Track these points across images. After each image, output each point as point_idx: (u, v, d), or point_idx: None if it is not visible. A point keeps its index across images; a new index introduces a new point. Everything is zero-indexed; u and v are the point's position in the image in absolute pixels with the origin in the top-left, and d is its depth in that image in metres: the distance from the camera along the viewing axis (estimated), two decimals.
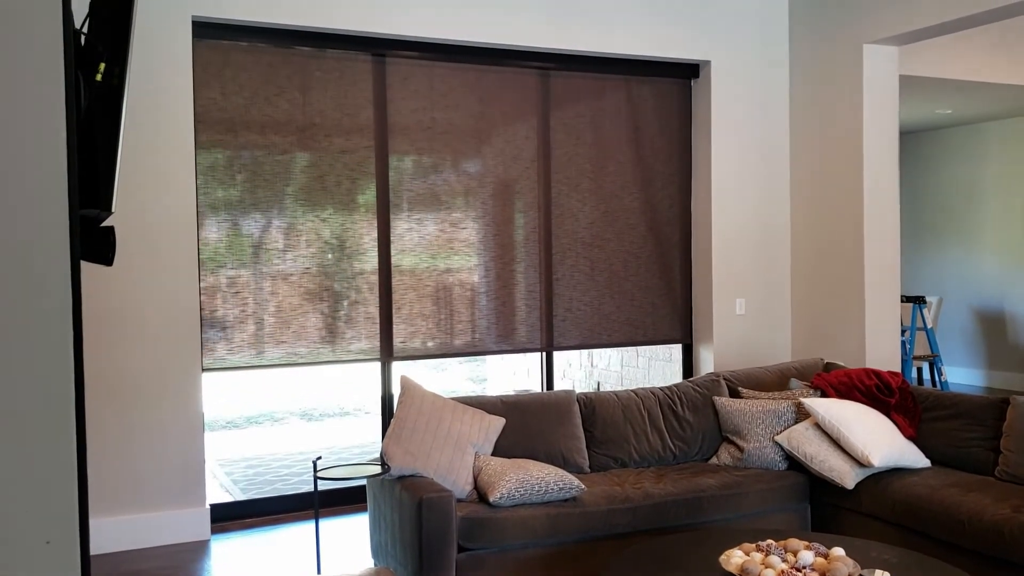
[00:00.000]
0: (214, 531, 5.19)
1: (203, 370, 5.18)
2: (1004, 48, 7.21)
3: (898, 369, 6.17)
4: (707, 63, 6.41)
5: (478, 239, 5.99)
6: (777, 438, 4.61)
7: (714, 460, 4.80)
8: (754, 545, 3.14)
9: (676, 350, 7.18)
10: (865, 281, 6.09)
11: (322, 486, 5.47)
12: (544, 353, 6.35)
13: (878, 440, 4.34)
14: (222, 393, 11.94)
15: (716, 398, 4.94)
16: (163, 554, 4.87)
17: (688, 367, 6.73)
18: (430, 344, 5.85)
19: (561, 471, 4.11)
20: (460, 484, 4.07)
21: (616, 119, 6.33)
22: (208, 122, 5.21)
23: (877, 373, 4.90)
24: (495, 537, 3.85)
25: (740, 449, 4.72)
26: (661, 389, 5.00)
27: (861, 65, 6.04)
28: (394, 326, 5.72)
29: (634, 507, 4.11)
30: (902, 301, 7.98)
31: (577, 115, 6.22)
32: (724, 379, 5.12)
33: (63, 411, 1.70)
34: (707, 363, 6.49)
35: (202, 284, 5.21)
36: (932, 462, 4.52)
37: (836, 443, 4.43)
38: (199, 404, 5.13)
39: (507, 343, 6.08)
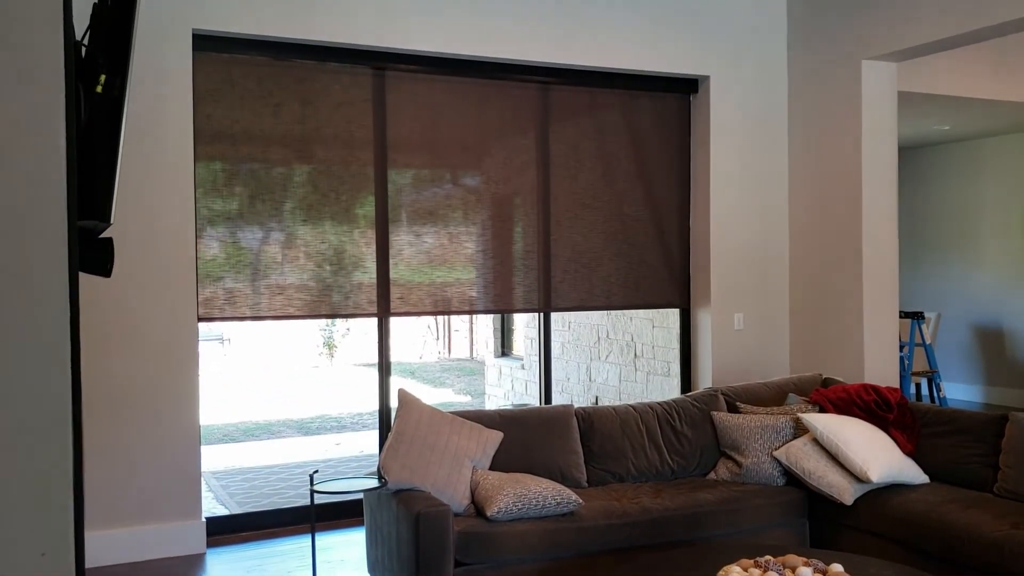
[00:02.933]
0: (210, 545, 5.17)
1: (199, 320, 5.15)
2: (1003, 65, 7.23)
3: (896, 385, 6.17)
4: (706, 78, 6.43)
5: (477, 251, 5.99)
6: (775, 453, 4.60)
7: (712, 475, 4.79)
8: (752, 561, 3.12)
9: (674, 365, 7.17)
10: (864, 297, 6.09)
11: (319, 500, 5.44)
12: (542, 314, 6.37)
13: (877, 456, 4.33)
14: (219, 406, 11.91)
15: (714, 413, 4.93)
16: (158, 567, 4.85)
17: (686, 382, 6.72)
18: (427, 301, 5.84)
19: (559, 486, 4.10)
20: (457, 498, 4.05)
21: (615, 133, 6.34)
22: (207, 134, 5.21)
23: (876, 389, 4.89)
24: (492, 552, 3.83)
25: (738, 464, 4.70)
26: (659, 404, 4.99)
27: (860, 81, 6.05)
28: (391, 283, 5.70)
29: (632, 522, 4.10)
30: (900, 317, 7.98)
31: (577, 129, 6.23)
32: (722, 394, 5.11)
33: (60, 423, 1.70)
34: (705, 378, 6.48)
35: (200, 296, 5.20)
36: (931, 478, 4.51)
37: (834, 459, 4.42)
38: (196, 417, 5.11)
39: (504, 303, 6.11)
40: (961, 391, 9.91)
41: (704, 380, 6.49)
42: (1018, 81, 7.35)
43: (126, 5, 2.10)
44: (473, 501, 4.10)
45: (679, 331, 6.77)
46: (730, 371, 6.45)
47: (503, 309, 6.20)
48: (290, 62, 5.39)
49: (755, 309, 6.59)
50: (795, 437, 4.66)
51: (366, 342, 16.89)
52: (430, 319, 18.51)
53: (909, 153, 10.32)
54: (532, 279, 6.12)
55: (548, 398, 6.48)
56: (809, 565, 3.06)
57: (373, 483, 4.07)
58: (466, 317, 17.89)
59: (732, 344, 6.50)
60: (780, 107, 6.66)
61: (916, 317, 8.43)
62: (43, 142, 1.69)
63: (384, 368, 5.78)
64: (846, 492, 4.30)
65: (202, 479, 5.27)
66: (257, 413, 11.63)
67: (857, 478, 4.33)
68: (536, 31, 5.85)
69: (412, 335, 18.30)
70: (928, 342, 8.60)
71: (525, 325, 10.62)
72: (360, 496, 4.45)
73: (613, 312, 8.73)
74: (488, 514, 3.91)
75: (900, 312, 7.60)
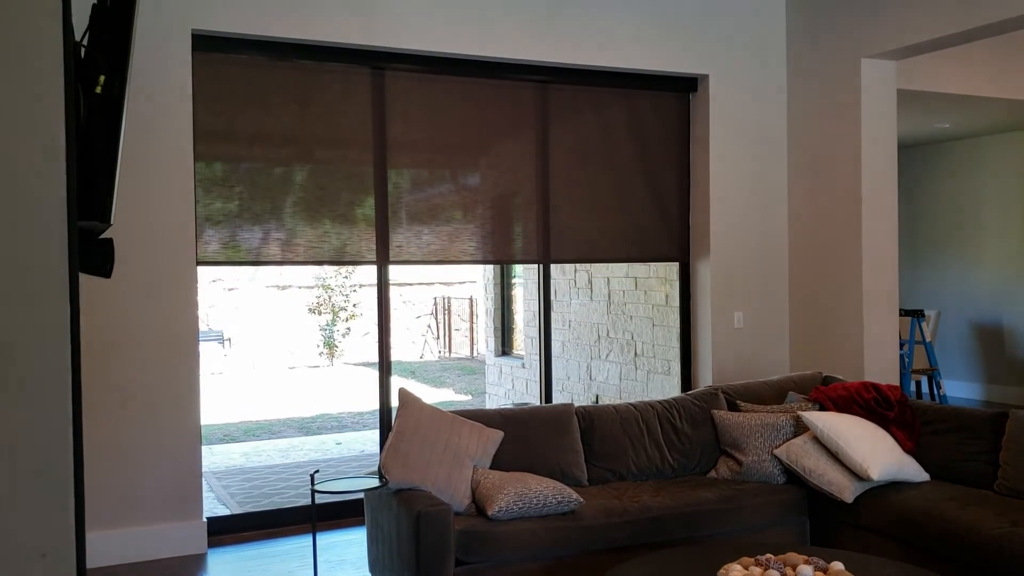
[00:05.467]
0: (211, 544, 5.17)
1: (197, 263, 5.13)
2: (1002, 63, 7.23)
3: (896, 382, 6.17)
4: (705, 77, 6.43)
5: (476, 250, 5.98)
6: (776, 451, 4.60)
7: (712, 473, 4.79)
8: (753, 559, 3.12)
9: (675, 364, 7.17)
10: (863, 294, 6.09)
11: (320, 499, 5.44)
12: (541, 265, 6.39)
13: (877, 454, 4.33)
14: (220, 406, 11.91)
15: (714, 411, 4.93)
16: (159, 568, 4.85)
17: (686, 380, 6.72)
18: (426, 250, 5.82)
19: (559, 484, 4.10)
20: (458, 498, 4.05)
21: (614, 133, 6.34)
22: (207, 134, 5.21)
23: (876, 387, 4.89)
24: (493, 551, 3.83)
25: (739, 463, 4.70)
26: (660, 402, 4.99)
27: (859, 79, 6.05)
28: (390, 230, 5.69)
29: (632, 521, 4.10)
30: (900, 315, 7.98)
31: (575, 128, 6.23)
32: (722, 392, 5.11)
33: (60, 423, 1.70)
34: (705, 376, 6.49)
35: (200, 296, 5.19)
36: (931, 476, 4.51)
37: (835, 457, 4.42)
38: (197, 417, 5.11)
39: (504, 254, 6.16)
40: (961, 389, 9.91)
41: (704, 378, 6.49)
42: (1018, 79, 7.35)
43: (125, 5, 2.11)
44: (474, 500, 4.10)
45: (679, 329, 6.77)
46: (730, 369, 6.45)
47: (502, 260, 6.19)
48: (289, 62, 5.39)
49: (755, 307, 6.59)
50: (795, 435, 4.66)
51: (366, 342, 16.89)
52: (430, 319, 18.51)
53: (909, 151, 10.32)
54: (532, 230, 6.12)
55: (548, 397, 6.49)
56: (810, 563, 3.07)
57: (374, 483, 4.07)
58: (467, 316, 17.89)
59: (732, 342, 6.50)
60: (780, 106, 6.66)
61: (916, 315, 8.42)
62: (43, 143, 1.69)
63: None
64: (846, 490, 4.30)
65: (203, 479, 5.27)
66: (258, 413, 11.63)
67: (857, 476, 4.32)
68: (535, 30, 5.84)
69: (413, 334, 18.30)
70: (928, 340, 8.60)
71: (526, 324, 10.62)
72: (361, 496, 4.45)
73: (613, 311, 8.73)
74: (489, 513, 3.91)
75: (900, 310, 7.60)
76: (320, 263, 5.68)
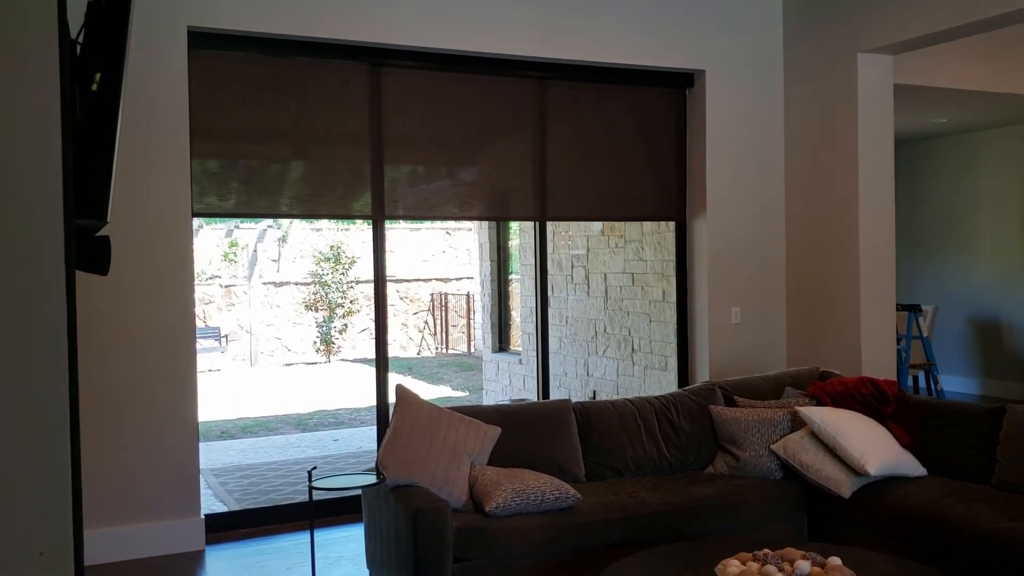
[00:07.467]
0: (209, 542, 5.17)
1: (193, 215, 5.11)
2: (999, 57, 7.23)
3: (894, 377, 6.17)
4: (701, 72, 6.42)
5: (472, 207, 5.94)
6: (773, 447, 4.60)
7: (710, 469, 4.80)
8: (750, 555, 3.13)
9: (672, 359, 7.18)
10: (860, 290, 6.10)
11: (317, 496, 5.44)
12: (538, 223, 6.40)
13: (874, 449, 4.34)
14: (217, 403, 11.91)
15: (712, 407, 4.94)
16: (157, 565, 4.85)
17: (683, 376, 6.72)
18: (422, 207, 5.83)
19: (557, 481, 4.10)
20: (456, 494, 4.05)
21: (611, 128, 6.34)
22: (203, 131, 5.19)
23: (873, 382, 4.90)
24: (491, 547, 3.83)
25: (736, 458, 4.71)
26: (657, 398, 4.99)
27: (855, 74, 6.05)
28: (386, 190, 5.67)
29: (630, 517, 4.10)
30: (898, 310, 7.97)
31: (572, 124, 6.22)
32: (719, 388, 5.11)
33: (57, 421, 1.70)
34: (703, 372, 6.49)
35: (196, 293, 5.19)
36: (929, 471, 4.51)
37: (832, 452, 4.43)
38: (194, 414, 5.11)
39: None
40: (958, 384, 9.92)
41: (701, 374, 6.50)
42: (1015, 73, 7.35)
43: (121, 3, 2.10)
44: (471, 496, 4.10)
45: (676, 325, 6.77)
46: (727, 365, 6.45)
47: (499, 216, 6.17)
48: (286, 58, 5.37)
49: (752, 303, 6.59)
50: (793, 431, 4.67)
51: (363, 339, 16.88)
52: (427, 315, 18.51)
53: (906, 146, 10.32)
54: (528, 187, 6.13)
55: (546, 393, 6.48)
56: (807, 559, 3.07)
57: (371, 479, 4.07)
58: (464, 312, 17.89)
59: (729, 338, 6.50)
60: (776, 101, 6.65)
61: (913, 310, 8.43)
62: (39, 141, 1.68)
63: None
64: (844, 485, 4.30)
65: (200, 476, 5.27)
66: (255, 410, 11.62)
67: (855, 471, 4.33)
68: (531, 26, 5.83)
69: (410, 330, 18.29)
70: (925, 335, 8.61)
71: (523, 320, 10.61)
72: (359, 492, 4.45)
73: (610, 307, 8.73)
74: (487, 509, 3.91)
75: (897, 305, 7.60)
76: (317, 217, 5.62)
